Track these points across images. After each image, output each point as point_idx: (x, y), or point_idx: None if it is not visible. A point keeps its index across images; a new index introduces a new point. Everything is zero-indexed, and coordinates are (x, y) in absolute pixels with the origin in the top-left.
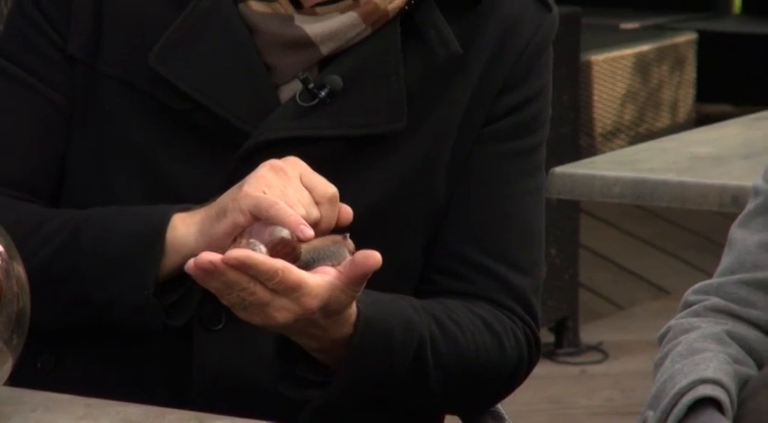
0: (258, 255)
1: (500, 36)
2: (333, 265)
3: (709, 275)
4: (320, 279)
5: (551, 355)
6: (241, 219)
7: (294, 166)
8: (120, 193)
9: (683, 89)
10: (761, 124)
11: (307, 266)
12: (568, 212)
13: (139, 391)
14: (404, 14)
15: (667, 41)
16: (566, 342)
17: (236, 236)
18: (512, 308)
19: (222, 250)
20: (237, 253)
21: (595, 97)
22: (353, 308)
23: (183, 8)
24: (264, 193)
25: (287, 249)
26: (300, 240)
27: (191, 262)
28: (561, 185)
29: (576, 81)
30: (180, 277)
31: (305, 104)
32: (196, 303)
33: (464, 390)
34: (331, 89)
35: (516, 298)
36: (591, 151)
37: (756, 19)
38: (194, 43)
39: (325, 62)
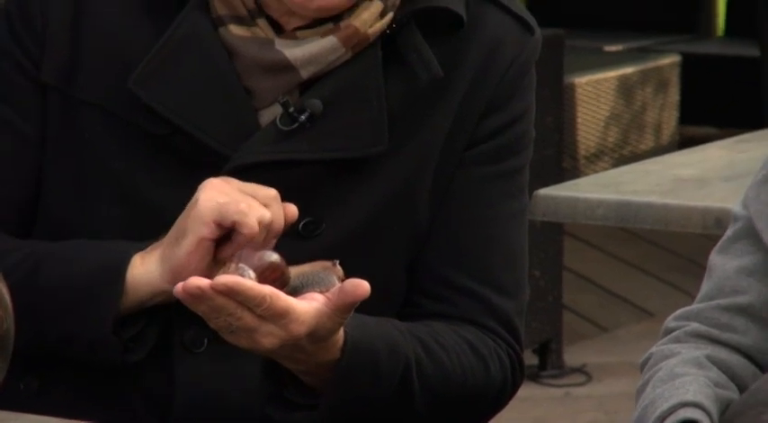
0: (246, 281)
1: (483, 59)
2: (321, 292)
3: (693, 297)
4: (308, 306)
5: (535, 377)
6: (205, 231)
7: (230, 180)
8: (100, 219)
9: (666, 111)
10: (744, 147)
11: (295, 292)
12: (552, 234)
13: (123, 414)
14: (385, 38)
15: (651, 64)
16: (549, 364)
17: (226, 260)
18: (496, 330)
19: (189, 272)
20: (226, 279)
21: (579, 119)
22: (340, 333)
23: (162, 34)
24: (219, 196)
25: (276, 275)
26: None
27: (179, 286)
28: (545, 208)
29: (559, 103)
30: (138, 313)
31: (285, 128)
32: (154, 339)
33: (449, 412)
34: (311, 113)
35: (500, 320)
36: (574, 173)
37: (739, 41)
38: (174, 68)
39: (306, 86)
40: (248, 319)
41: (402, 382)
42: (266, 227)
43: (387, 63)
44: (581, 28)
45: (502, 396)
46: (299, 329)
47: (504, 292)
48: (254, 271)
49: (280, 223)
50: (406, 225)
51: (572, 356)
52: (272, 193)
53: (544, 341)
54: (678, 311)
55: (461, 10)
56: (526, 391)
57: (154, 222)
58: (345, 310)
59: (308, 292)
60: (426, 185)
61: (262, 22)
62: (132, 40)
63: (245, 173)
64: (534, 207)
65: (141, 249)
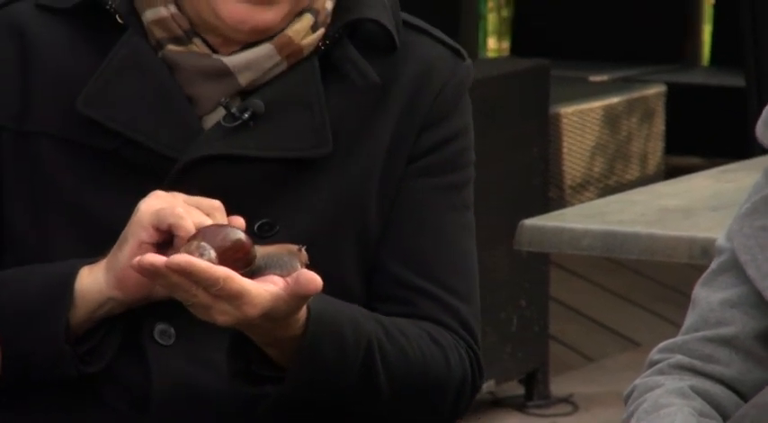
0: (200, 262)
1: (417, 78)
2: (281, 275)
3: (680, 327)
4: (263, 290)
5: (522, 407)
6: (144, 235)
7: (175, 194)
8: (57, 243)
9: (652, 141)
10: (730, 176)
11: (257, 271)
12: (538, 264)
13: (104, 413)
14: (320, 54)
15: (636, 94)
16: (536, 394)
17: (190, 237)
18: (454, 328)
19: (133, 276)
20: (179, 259)
21: (564, 149)
22: (302, 311)
23: (103, 59)
24: (161, 205)
25: (239, 254)
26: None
27: (135, 260)
28: (530, 238)
29: (545, 133)
30: (95, 326)
31: (229, 125)
32: (115, 348)
33: (412, 400)
34: (254, 112)
35: (457, 319)
36: (560, 203)
37: (725, 70)
38: (118, 85)
39: (246, 95)
40: (203, 296)
41: (365, 363)
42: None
43: (325, 76)
44: (566, 58)
45: (462, 392)
46: (252, 311)
47: (458, 295)
48: (216, 250)
49: None
50: (356, 229)
51: (558, 386)
52: (215, 203)
53: (531, 371)
54: (662, 344)
55: (391, 26)
56: (513, 421)
57: (109, 238)
58: (300, 298)
59: (269, 273)
60: (374, 191)
61: (197, 40)
62: (76, 68)
63: (195, 170)
64: (520, 237)
65: (90, 263)
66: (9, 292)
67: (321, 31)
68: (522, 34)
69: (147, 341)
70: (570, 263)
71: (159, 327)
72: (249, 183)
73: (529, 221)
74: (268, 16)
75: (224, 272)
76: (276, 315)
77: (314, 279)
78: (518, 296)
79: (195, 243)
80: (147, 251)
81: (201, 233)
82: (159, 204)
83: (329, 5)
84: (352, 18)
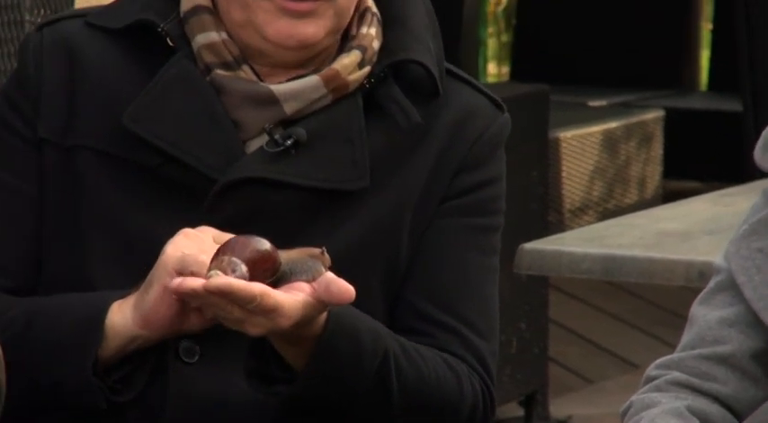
0: (236, 282)
1: (457, 123)
2: (307, 281)
3: None
4: (294, 300)
5: None
6: (168, 280)
7: (205, 230)
8: (94, 255)
9: (650, 166)
10: (728, 200)
11: (283, 278)
12: (537, 288)
13: (118, 419)
14: (365, 92)
15: (635, 118)
16: (535, 416)
17: (218, 251)
18: (470, 362)
19: (158, 318)
20: (218, 282)
21: (564, 173)
22: (323, 314)
23: (151, 79)
24: (184, 251)
25: (267, 264)
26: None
27: (174, 283)
28: (530, 261)
29: (544, 157)
30: (125, 358)
31: (271, 150)
32: (145, 379)
33: (422, 418)
34: (296, 140)
35: (474, 355)
36: (559, 227)
37: (723, 96)
38: (164, 104)
39: (290, 124)
40: (238, 313)
41: (380, 372)
42: None
43: (367, 113)
44: (565, 83)
45: (472, 420)
46: (285, 323)
47: (478, 332)
48: (246, 264)
49: None
50: (385, 261)
51: (558, 408)
52: None
53: (530, 393)
54: (659, 360)
55: (435, 71)
56: None
57: (146, 252)
58: (327, 306)
59: (295, 280)
60: (405, 227)
61: (246, 67)
62: (123, 86)
63: (234, 192)
64: (520, 260)
65: (120, 298)
66: (45, 322)
67: (367, 68)
68: (521, 59)
69: (171, 358)
70: (569, 286)
71: (184, 344)
72: (285, 208)
73: (528, 245)
74: (310, 29)
75: (260, 289)
76: (304, 321)
77: (347, 289)
78: (518, 319)
79: (226, 258)
80: (171, 296)
81: (230, 247)
82: (186, 246)
83: (376, 45)
84: (398, 59)
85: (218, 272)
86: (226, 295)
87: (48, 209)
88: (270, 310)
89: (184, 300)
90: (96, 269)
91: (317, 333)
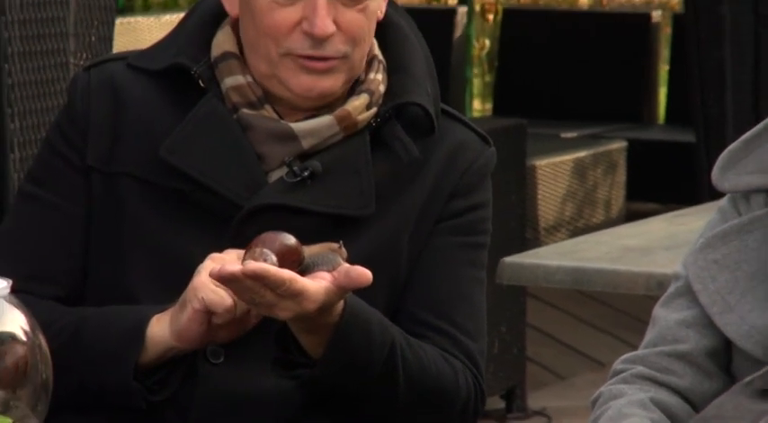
0: (270, 267)
1: (449, 156)
2: (328, 270)
3: None
4: (318, 286)
5: (502, 419)
6: (198, 306)
7: (230, 252)
8: (134, 271)
9: (615, 190)
10: (683, 220)
11: (307, 269)
12: (516, 296)
13: (151, 417)
14: (371, 129)
15: (601, 148)
16: (515, 407)
17: (251, 245)
18: (463, 360)
19: (191, 334)
20: (254, 266)
21: (539, 196)
22: (339, 303)
23: (184, 116)
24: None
25: (294, 256)
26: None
27: (215, 270)
28: (510, 273)
29: (522, 182)
30: (163, 363)
31: (290, 181)
32: (179, 380)
33: (424, 406)
34: (312, 171)
35: (466, 354)
36: (536, 243)
37: (678, 128)
38: (196, 138)
39: (306, 157)
40: (270, 296)
41: (388, 361)
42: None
43: (373, 148)
44: (541, 118)
45: (466, 410)
46: (311, 306)
47: (469, 334)
48: (276, 254)
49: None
50: (389, 276)
51: (534, 401)
52: None
53: (510, 388)
54: (625, 355)
55: (432, 112)
56: None
57: (181, 269)
58: (347, 290)
59: (318, 270)
60: (405, 246)
61: (268, 107)
62: (160, 122)
63: (256, 216)
64: (501, 272)
65: (160, 312)
66: (91, 332)
67: (374, 109)
68: (502, 97)
69: (200, 360)
70: (544, 294)
71: (211, 347)
72: (301, 231)
73: (508, 259)
74: (328, 83)
75: (289, 274)
76: (326, 306)
77: (364, 273)
78: (499, 323)
79: (258, 250)
80: (202, 316)
81: (261, 241)
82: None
83: (382, 88)
84: (401, 101)
85: (251, 261)
86: (260, 279)
87: (94, 227)
88: (297, 294)
89: (212, 320)
90: (135, 283)
91: (333, 322)
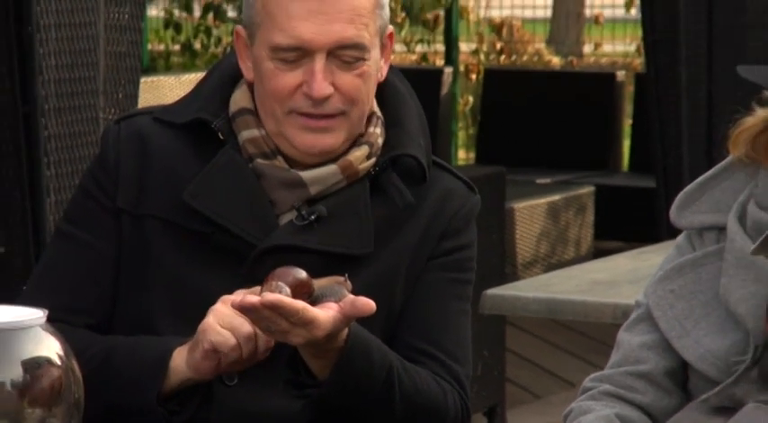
0: (285, 298)
1: (439, 201)
2: (335, 301)
3: None
4: (327, 315)
5: None
6: (207, 346)
7: (238, 293)
8: (157, 305)
9: (584, 229)
10: (645, 256)
11: (317, 300)
12: (497, 324)
13: None
14: (371, 177)
15: (572, 193)
16: None
17: (267, 278)
18: (451, 382)
19: (204, 368)
20: (271, 297)
21: (517, 236)
22: (345, 330)
23: (205, 164)
24: (220, 323)
25: (305, 289)
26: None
27: (236, 301)
28: (491, 304)
29: (502, 223)
30: (183, 390)
31: (299, 223)
32: (198, 402)
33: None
34: (318, 215)
35: (454, 377)
36: (514, 277)
37: (640, 175)
38: (216, 185)
39: (313, 202)
40: (284, 324)
41: (386, 381)
42: (249, 339)
43: (372, 194)
44: (518, 166)
45: None
46: (320, 333)
47: (455, 359)
48: (289, 287)
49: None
50: (385, 308)
51: (514, 418)
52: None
53: (491, 406)
54: (593, 375)
55: (425, 163)
56: None
57: (199, 303)
58: (352, 319)
59: (326, 301)
60: (400, 282)
61: (280, 157)
62: (183, 169)
63: (269, 255)
64: (483, 303)
65: (181, 344)
66: (120, 360)
67: (373, 160)
68: (484, 147)
69: (216, 382)
70: (522, 323)
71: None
72: (309, 268)
73: (490, 291)
74: (329, 141)
75: (301, 305)
76: (333, 333)
77: (369, 303)
78: (482, 348)
79: (274, 283)
80: (213, 354)
81: (276, 275)
82: (223, 313)
83: (380, 141)
84: (397, 153)
85: (269, 293)
86: (276, 308)
87: (122, 263)
88: (308, 322)
89: (222, 357)
90: (159, 315)
91: (339, 347)
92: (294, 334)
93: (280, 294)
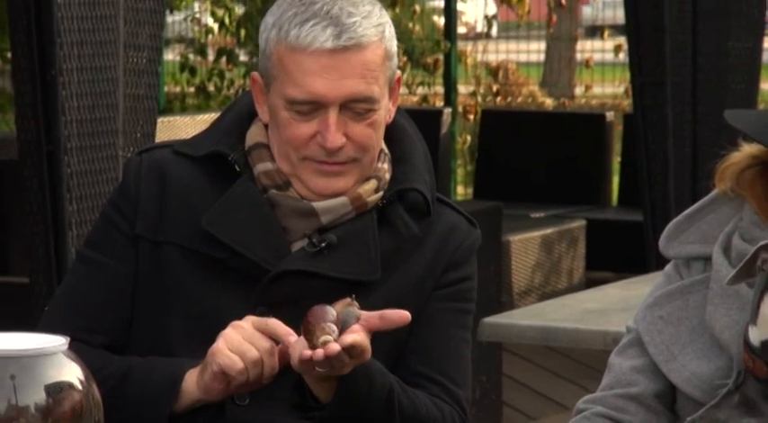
0: (357, 337)
1: (443, 235)
2: (356, 322)
3: None
4: (364, 338)
5: None
6: (216, 369)
7: (248, 319)
8: (175, 326)
9: (576, 261)
10: (634, 286)
11: (344, 326)
12: (494, 350)
13: None
14: (378, 209)
15: (565, 226)
16: None
17: (310, 321)
18: (452, 405)
19: (214, 390)
20: (350, 340)
21: (513, 267)
22: None
23: (222, 194)
24: (229, 347)
25: (336, 322)
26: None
27: (307, 355)
28: (489, 331)
29: (498, 255)
30: (194, 408)
31: (310, 250)
32: (209, 421)
33: None
34: (329, 243)
35: (453, 399)
36: (510, 306)
37: (629, 210)
38: (233, 214)
39: (323, 231)
40: (346, 360)
41: (387, 402)
42: (256, 364)
43: (380, 225)
44: (514, 201)
45: None
46: (368, 356)
47: (457, 384)
48: (335, 325)
49: (271, 362)
50: (390, 335)
51: None
52: (270, 320)
53: None
54: (586, 397)
55: (429, 197)
56: None
57: (215, 326)
58: (373, 331)
59: (350, 325)
60: (405, 309)
61: (292, 189)
62: (201, 199)
63: (282, 280)
64: (481, 331)
65: (193, 365)
66: (135, 379)
67: (381, 193)
68: (481, 183)
69: (228, 402)
70: (518, 349)
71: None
72: (319, 293)
73: (487, 319)
74: (341, 184)
75: (363, 338)
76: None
77: (403, 313)
78: (480, 373)
79: (323, 325)
80: (222, 375)
81: (318, 316)
82: (232, 337)
83: (387, 176)
84: (403, 187)
85: (327, 336)
86: (352, 350)
87: (140, 287)
88: (362, 352)
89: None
90: (175, 337)
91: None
92: (349, 365)
93: (344, 335)
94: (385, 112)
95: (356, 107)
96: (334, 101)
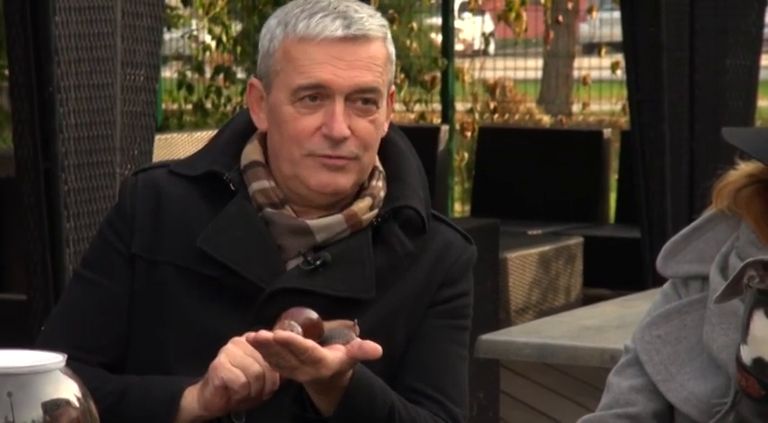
0: (296, 336)
1: (438, 252)
2: (343, 343)
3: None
4: (334, 356)
5: None
6: (218, 383)
7: (248, 335)
8: (170, 346)
9: (573, 278)
10: (631, 304)
11: (326, 341)
12: (492, 367)
13: None
14: (373, 227)
15: (562, 243)
16: None
17: (281, 317)
18: (448, 421)
19: (215, 406)
20: (284, 334)
21: (510, 284)
22: (350, 371)
23: (217, 213)
24: (231, 362)
25: (316, 329)
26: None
27: (251, 336)
28: (486, 348)
29: (496, 272)
30: None
31: (305, 268)
32: None
33: None
34: (323, 261)
35: (452, 417)
36: (507, 323)
37: (626, 227)
38: (228, 232)
39: (318, 249)
40: (293, 361)
41: (388, 419)
42: (258, 378)
43: (375, 243)
44: (511, 218)
45: None
46: (327, 373)
47: (453, 400)
48: (301, 326)
49: (272, 376)
50: (384, 351)
51: None
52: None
53: None
54: (585, 416)
55: (424, 214)
56: None
57: (210, 343)
58: (358, 361)
59: (334, 343)
60: (400, 325)
61: (287, 207)
62: (196, 218)
63: (277, 298)
64: (478, 348)
65: (192, 383)
66: (133, 397)
67: (375, 211)
68: (478, 201)
69: (225, 419)
70: (515, 366)
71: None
72: (314, 308)
73: (485, 336)
74: (342, 180)
75: (311, 344)
76: (339, 374)
77: (376, 348)
78: (477, 390)
79: (286, 322)
80: (224, 391)
81: (289, 314)
82: (233, 353)
83: (382, 194)
84: (398, 205)
85: (281, 330)
86: (287, 345)
87: (136, 306)
88: (317, 361)
89: (232, 395)
90: (171, 355)
91: (344, 385)
92: (302, 371)
93: (292, 332)
94: (383, 118)
95: (362, 97)
96: (340, 90)
